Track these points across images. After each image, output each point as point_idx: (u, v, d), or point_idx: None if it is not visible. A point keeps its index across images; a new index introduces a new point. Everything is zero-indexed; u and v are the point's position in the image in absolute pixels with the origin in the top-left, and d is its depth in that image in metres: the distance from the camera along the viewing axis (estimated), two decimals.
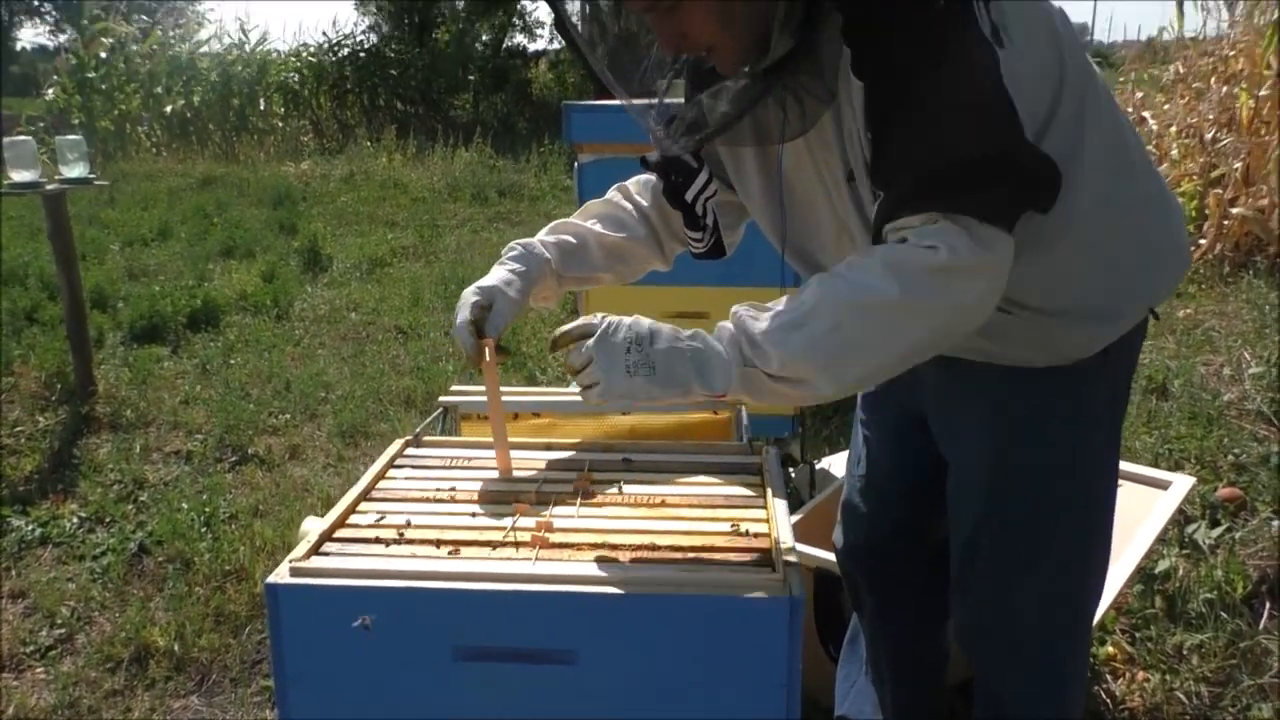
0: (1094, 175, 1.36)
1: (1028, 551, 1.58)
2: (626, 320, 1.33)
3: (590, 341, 1.32)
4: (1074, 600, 1.64)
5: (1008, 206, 1.25)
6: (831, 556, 2.19)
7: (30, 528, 3.40)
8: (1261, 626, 2.59)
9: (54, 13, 28.57)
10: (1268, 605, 2.68)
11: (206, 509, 3.45)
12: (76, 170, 4.44)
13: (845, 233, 1.46)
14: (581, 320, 1.35)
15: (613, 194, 1.76)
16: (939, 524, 1.71)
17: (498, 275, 1.63)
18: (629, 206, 1.74)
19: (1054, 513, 1.56)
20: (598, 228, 1.71)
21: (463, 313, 1.57)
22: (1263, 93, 6.64)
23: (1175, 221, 1.53)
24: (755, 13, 1.29)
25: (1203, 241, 6.45)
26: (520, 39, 20.41)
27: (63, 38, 15.95)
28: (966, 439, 1.59)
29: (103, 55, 14.53)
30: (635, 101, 1.43)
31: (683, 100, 1.48)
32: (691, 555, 1.34)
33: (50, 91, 14.28)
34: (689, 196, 1.58)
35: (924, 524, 1.79)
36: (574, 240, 1.70)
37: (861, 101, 1.27)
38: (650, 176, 1.70)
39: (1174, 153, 7.13)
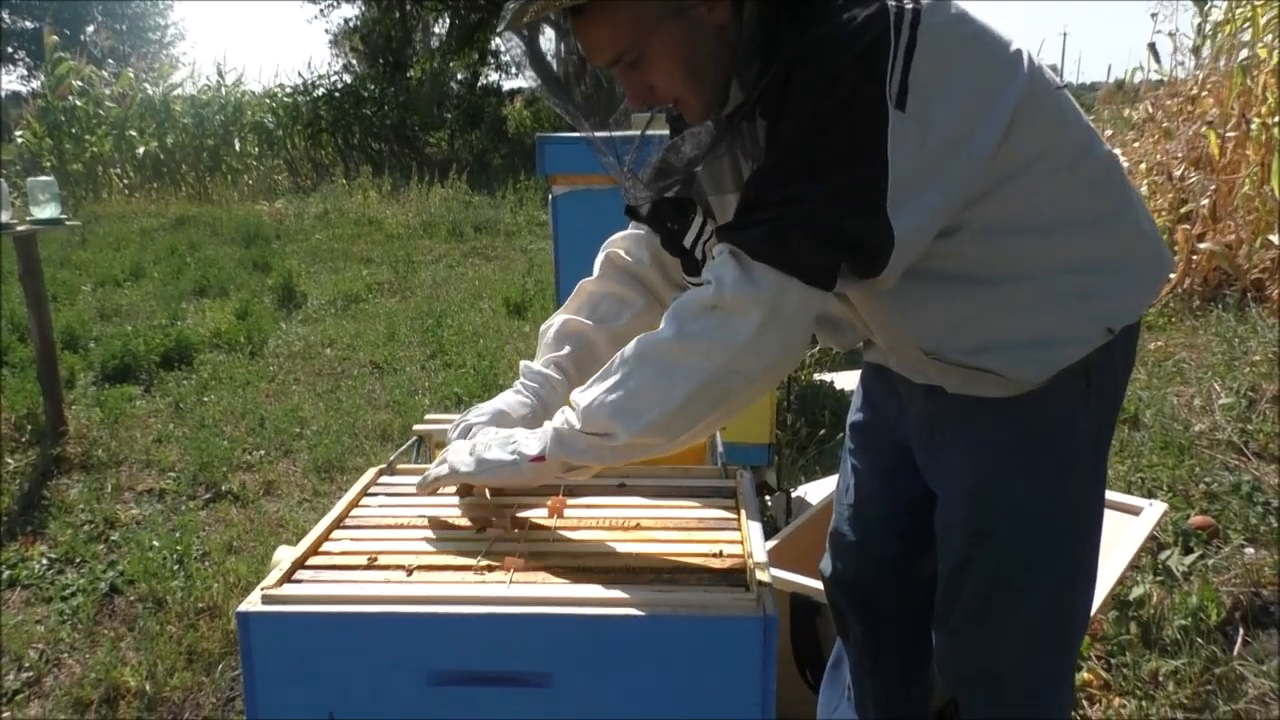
0: (1034, 208, 1.35)
1: (1011, 586, 1.56)
2: (494, 403, 1.60)
3: (442, 457, 1.52)
4: (1058, 634, 1.61)
5: (797, 253, 1.25)
6: (808, 581, 2.20)
7: None
8: (1236, 653, 2.60)
9: (26, 59, 28.57)
10: (1242, 632, 2.69)
11: (179, 547, 3.41)
12: (48, 211, 4.43)
13: None
14: (458, 419, 1.59)
15: (601, 267, 1.74)
16: (928, 556, 1.69)
17: (509, 400, 1.63)
18: (622, 279, 1.72)
19: (1038, 547, 1.54)
20: (598, 321, 1.70)
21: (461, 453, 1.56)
22: (1229, 133, 6.78)
23: (1137, 241, 1.48)
24: (719, 65, 1.32)
25: (1172, 276, 6.55)
26: (495, 77, 20.59)
27: (35, 84, 15.91)
28: (950, 472, 1.57)
29: (71, 99, 14.51)
30: (608, 156, 1.46)
31: (657, 138, 1.49)
32: (666, 577, 1.34)
33: (20, 135, 14.24)
34: (687, 243, 1.59)
35: (912, 556, 1.76)
36: (582, 351, 1.69)
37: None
38: (638, 231, 1.71)
39: (1144, 189, 7.26)
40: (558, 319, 1.71)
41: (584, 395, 1.38)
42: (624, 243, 1.74)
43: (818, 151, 1.24)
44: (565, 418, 1.40)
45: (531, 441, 1.42)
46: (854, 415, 1.83)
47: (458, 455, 1.49)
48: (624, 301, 1.71)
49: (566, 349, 1.68)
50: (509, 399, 1.64)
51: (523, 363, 1.70)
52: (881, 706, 1.94)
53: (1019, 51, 1.32)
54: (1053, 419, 1.48)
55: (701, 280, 1.34)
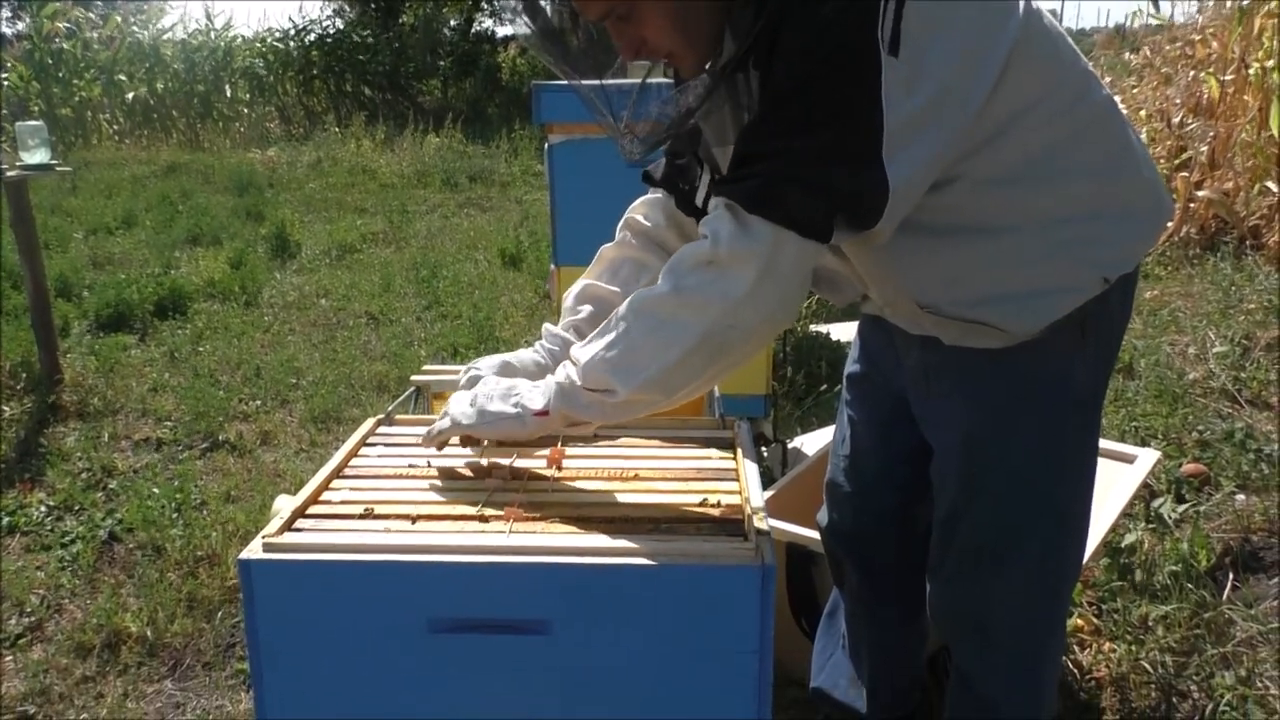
0: (1042, 143, 1.34)
1: (1004, 535, 1.57)
2: (506, 357, 1.61)
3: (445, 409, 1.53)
4: (1049, 583, 1.63)
5: (793, 205, 1.24)
6: (804, 531, 2.22)
7: None
8: (1225, 597, 2.64)
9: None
10: (1231, 577, 2.73)
11: (177, 495, 3.42)
12: (38, 156, 4.38)
13: None
14: (466, 367, 1.60)
15: (622, 232, 1.74)
16: (924, 508, 1.70)
17: (521, 356, 1.64)
18: (641, 242, 1.72)
19: (1031, 497, 1.54)
20: (618, 285, 1.69)
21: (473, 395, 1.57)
22: (1228, 77, 6.73)
23: (1137, 187, 1.46)
24: (711, 16, 1.30)
25: (1170, 224, 6.53)
26: (489, 23, 20.28)
27: (20, 25, 15.65)
28: (946, 422, 1.57)
29: (59, 41, 14.30)
30: (604, 113, 1.44)
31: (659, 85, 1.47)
32: (665, 526, 1.35)
33: (6, 79, 14.04)
34: (699, 202, 1.59)
35: (909, 507, 1.78)
36: (602, 312, 1.67)
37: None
38: (656, 195, 1.71)
39: (1143, 136, 7.21)
40: (579, 284, 1.72)
41: (584, 351, 1.39)
42: (643, 208, 1.73)
43: (811, 102, 1.22)
44: (567, 372, 1.41)
45: (535, 395, 1.44)
46: (851, 367, 1.83)
47: (459, 406, 1.51)
48: (643, 265, 1.70)
49: (585, 310, 1.68)
50: (521, 354, 1.64)
51: (545, 325, 1.71)
52: (876, 655, 1.97)
53: None
54: (1049, 369, 1.47)
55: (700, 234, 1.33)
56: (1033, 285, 1.40)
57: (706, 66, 1.34)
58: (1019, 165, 1.34)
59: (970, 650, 1.71)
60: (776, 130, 1.25)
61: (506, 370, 1.62)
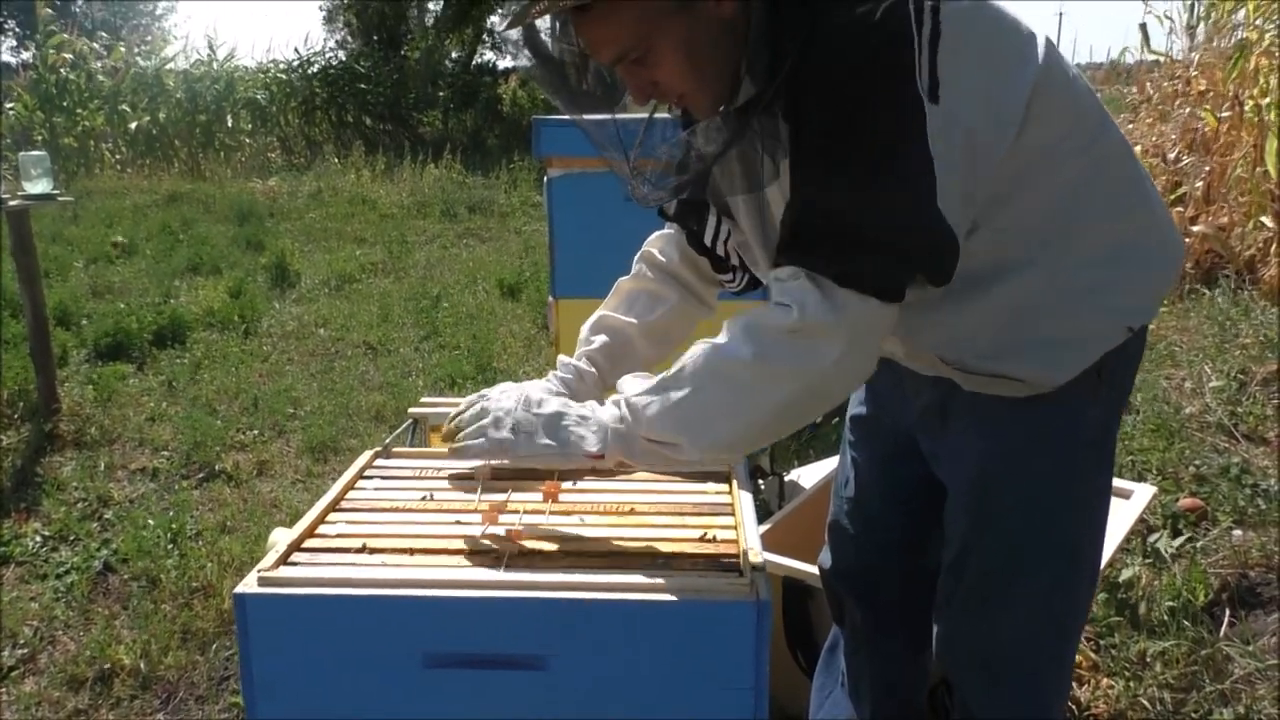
0: (1067, 190, 1.34)
1: (1014, 573, 1.55)
2: (520, 387, 1.49)
3: (482, 404, 1.46)
4: (1059, 622, 1.60)
5: (874, 274, 1.24)
6: (801, 565, 2.21)
7: None
8: (1222, 634, 2.63)
9: (16, 28, 28.29)
10: (1228, 613, 2.72)
11: (173, 526, 3.41)
12: (40, 186, 4.40)
13: None
14: (475, 396, 1.50)
15: (639, 265, 1.76)
16: (930, 543, 1.68)
17: (539, 387, 1.62)
18: (655, 275, 1.73)
19: (1043, 535, 1.52)
20: (634, 316, 1.71)
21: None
22: (1224, 114, 6.78)
23: (1152, 228, 1.45)
24: (727, 56, 1.28)
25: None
26: (490, 55, 20.45)
27: (25, 55, 15.77)
28: (958, 458, 1.55)
29: (64, 71, 14.40)
30: (615, 156, 1.43)
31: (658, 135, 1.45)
32: (661, 561, 1.35)
33: (11, 108, 14.13)
34: (708, 241, 1.61)
35: (914, 543, 1.75)
36: (617, 343, 1.70)
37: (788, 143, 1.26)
38: (670, 230, 1.72)
39: None
40: (595, 315, 1.73)
41: (644, 398, 1.36)
42: (658, 242, 1.75)
43: (870, 160, 1.20)
44: (622, 416, 1.38)
45: (588, 434, 1.40)
46: (855, 408, 1.82)
47: (499, 430, 1.43)
48: (658, 297, 1.71)
49: (600, 340, 1.69)
50: (536, 384, 1.63)
51: (559, 356, 1.71)
52: (879, 691, 1.93)
53: (1032, 35, 1.29)
54: (1064, 409, 1.46)
55: (772, 299, 1.31)
56: (1055, 335, 1.39)
57: (721, 108, 1.32)
58: (1038, 211, 1.34)
59: (976, 688, 1.67)
60: (837, 190, 1.22)
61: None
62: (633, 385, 1.40)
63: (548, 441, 1.41)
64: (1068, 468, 1.50)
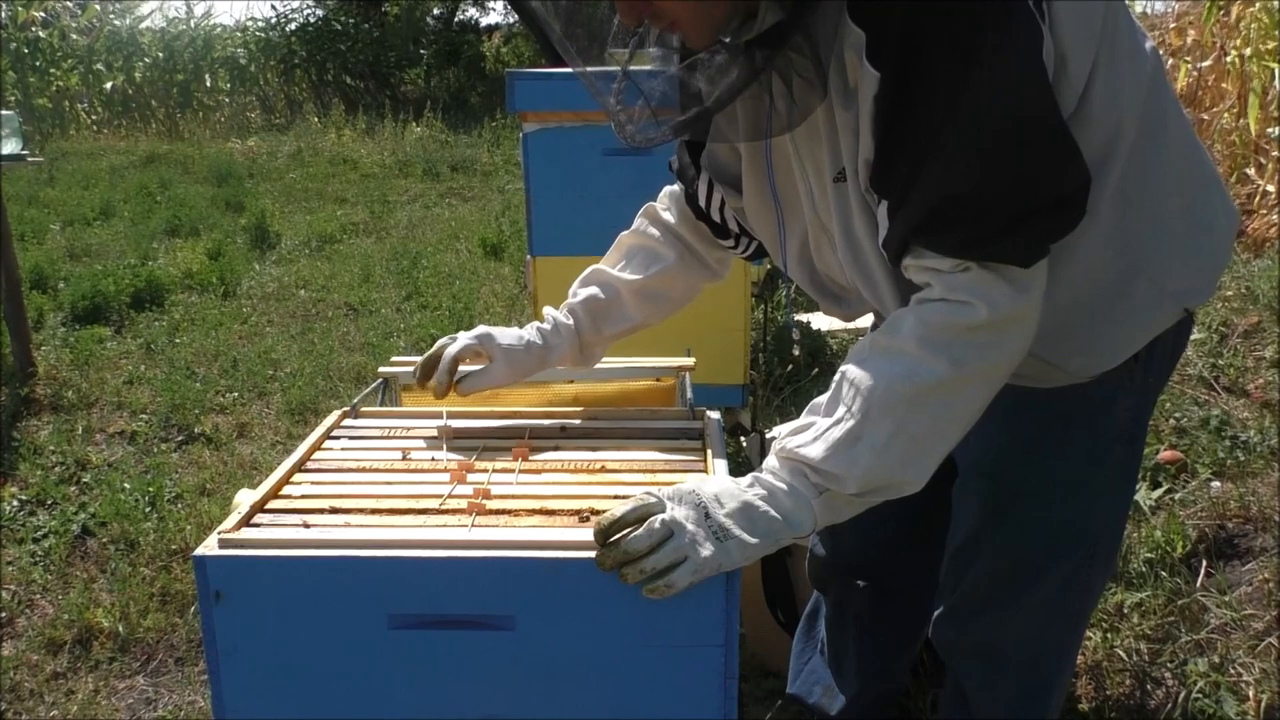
0: (1130, 157, 1.25)
1: (1026, 566, 1.49)
2: (683, 489, 1.22)
3: (660, 519, 1.17)
4: (1068, 616, 1.55)
5: (1045, 240, 1.16)
6: None
7: None
8: (1199, 584, 2.64)
9: None
10: (1205, 564, 2.73)
11: (151, 489, 3.39)
12: (8, 146, 4.35)
13: (825, 236, 1.36)
14: (633, 503, 1.20)
15: (640, 220, 1.69)
16: (936, 532, 1.62)
17: (512, 334, 1.59)
18: (657, 232, 1.66)
19: (1060, 528, 1.46)
20: (628, 273, 1.64)
21: (453, 348, 1.56)
22: (1206, 64, 6.73)
23: (1213, 205, 1.37)
24: None
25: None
26: (473, 12, 20.18)
27: None
28: (974, 443, 1.39)
29: (36, 30, 14.15)
30: (605, 91, 1.32)
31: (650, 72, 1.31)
32: None
33: None
34: (702, 204, 1.54)
35: (918, 532, 1.70)
36: (604, 296, 1.64)
37: (873, 91, 1.12)
38: (674, 187, 1.65)
39: None
40: (591, 268, 1.68)
41: (838, 456, 1.20)
42: (663, 200, 1.68)
43: (1007, 104, 1.09)
44: (821, 483, 1.22)
45: (798, 518, 1.21)
46: None
47: (700, 548, 1.17)
48: (656, 255, 1.65)
49: (586, 293, 1.65)
50: (506, 328, 1.61)
51: (544, 308, 1.68)
52: (869, 673, 1.90)
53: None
54: (1093, 395, 1.39)
55: (936, 294, 1.18)
56: (1115, 317, 1.32)
57: (726, 38, 1.20)
58: (1115, 181, 1.26)
59: (975, 676, 1.62)
60: (980, 155, 1.11)
61: (486, 340, 1.58)
62: (813, 448, 1.21)
63: (757, 541, 1.19)
64: (1092, 460, 1.43)
